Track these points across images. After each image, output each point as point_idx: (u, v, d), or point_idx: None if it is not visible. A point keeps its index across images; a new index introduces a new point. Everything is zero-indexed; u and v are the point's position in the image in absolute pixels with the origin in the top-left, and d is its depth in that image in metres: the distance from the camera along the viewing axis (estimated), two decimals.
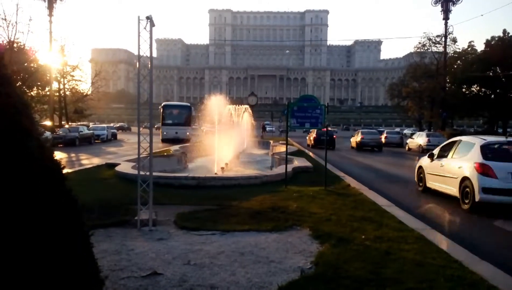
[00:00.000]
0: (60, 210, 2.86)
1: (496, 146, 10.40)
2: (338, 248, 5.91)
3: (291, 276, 4.90)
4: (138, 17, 6.65)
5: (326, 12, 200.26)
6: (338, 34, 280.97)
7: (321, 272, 4.95)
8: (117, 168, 13.83)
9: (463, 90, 44.92)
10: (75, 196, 3.15)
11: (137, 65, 7.08)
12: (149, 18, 6.73)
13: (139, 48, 6.79)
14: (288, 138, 14.11)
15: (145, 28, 6.78)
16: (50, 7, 38.89)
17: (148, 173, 7.45)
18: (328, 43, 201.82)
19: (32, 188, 2.70)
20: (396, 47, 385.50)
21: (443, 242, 6.43)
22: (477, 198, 9.45)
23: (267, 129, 58.81)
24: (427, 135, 34.11)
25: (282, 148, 22.01)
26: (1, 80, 2.87)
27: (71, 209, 3.00)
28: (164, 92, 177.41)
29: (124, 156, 20.99)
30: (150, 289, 4.47)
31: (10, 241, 2.54)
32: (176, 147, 24.11)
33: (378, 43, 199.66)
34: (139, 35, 6.74)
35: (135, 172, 12.31)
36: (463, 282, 4.73)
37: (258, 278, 4.86)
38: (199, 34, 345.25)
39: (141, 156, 7.74)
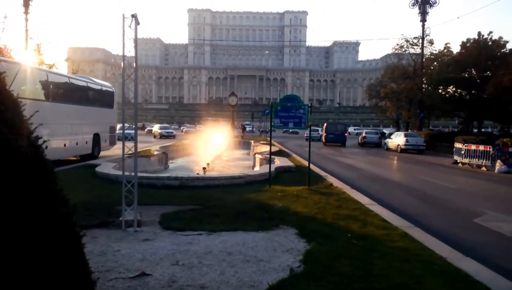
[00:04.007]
0: (52, 209, 2.80)
1: None
2: (325, 246, 5.96)
3: (280, 274, 4.91)
4: (123, 15, 6.55)
5: (305, 13, 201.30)
6: (317, 35, 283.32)
7: (310, 270, 4.98)
8: (98, 169, 13.61)
9: (440, 91, 45.67)
10: (66, 196, 3.08)
11: (122, 64, 6.98)
12: (134, 16, 6.64)
13: (123, 46, 6.68)
14: (268, 138, 14.11)
15: (129, 26, 6.70)
16: (26, 4, 37.90)
17: (131, 174, 7.35)
18: (307, 44, 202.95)
19: (23, 187, 2.63)
20: (373, 49, 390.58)
21: (427, 239, 6.54)
22: None
23: (247, 129, 58.83)
24: (405, 135, 34.66)
25: (263, 148, 22.03)
26: None
27: (63, 209, 2.94)
28: (143, 91, 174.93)
29: (104, 157, 20.63)
30: None
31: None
32: (157, 147, 23.86)
33: (356, 44, 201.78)
34: (123, 33, 6.63)
35: (117, 172, 12.18)
36: (449, 277, 4.83)
37: (247, 277, 4.85)
38: (178, 34, 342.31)
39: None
